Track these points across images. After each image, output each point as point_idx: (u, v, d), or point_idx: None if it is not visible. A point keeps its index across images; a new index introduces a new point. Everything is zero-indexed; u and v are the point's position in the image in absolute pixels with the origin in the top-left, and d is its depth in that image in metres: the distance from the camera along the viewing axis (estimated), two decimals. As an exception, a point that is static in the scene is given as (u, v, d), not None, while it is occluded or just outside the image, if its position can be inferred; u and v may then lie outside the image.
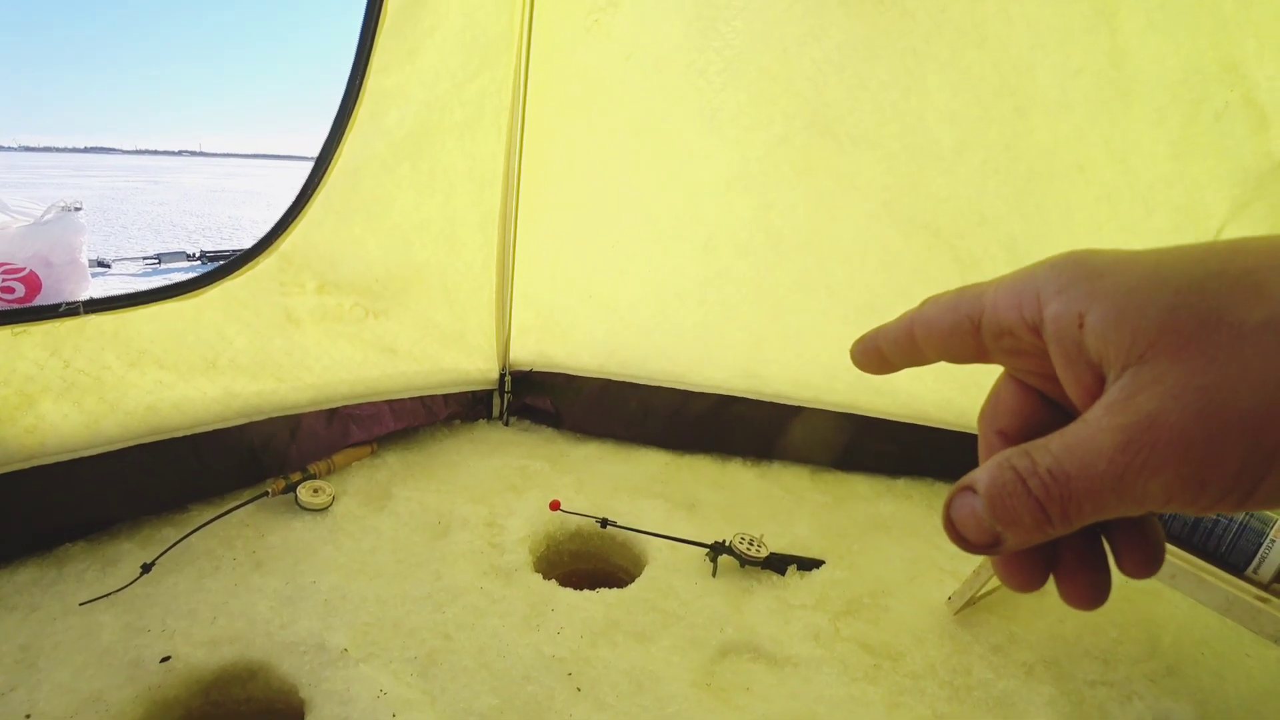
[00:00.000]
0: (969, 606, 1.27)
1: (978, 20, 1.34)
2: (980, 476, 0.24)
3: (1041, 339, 0.24)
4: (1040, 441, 0.23)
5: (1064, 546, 0.26)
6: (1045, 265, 0.24)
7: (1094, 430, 0.21)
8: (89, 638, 1.09)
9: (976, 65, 1.37)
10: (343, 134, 1.40)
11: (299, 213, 1.43)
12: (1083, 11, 1.30)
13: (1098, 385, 0.22)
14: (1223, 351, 0.19)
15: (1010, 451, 0.23)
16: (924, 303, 0.28)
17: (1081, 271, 0.23)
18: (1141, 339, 0.20)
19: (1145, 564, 0.25)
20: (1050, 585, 0.27)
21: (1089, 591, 0.26)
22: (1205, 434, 0.19)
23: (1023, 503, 0.22)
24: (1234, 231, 1.40)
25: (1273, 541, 0.98)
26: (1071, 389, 0.24)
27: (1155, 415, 0.20)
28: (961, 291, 0.26)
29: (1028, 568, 0.26)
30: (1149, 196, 1.41)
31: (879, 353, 0.30)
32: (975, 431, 0.31)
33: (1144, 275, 0.21)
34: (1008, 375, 0.28)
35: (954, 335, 0.26)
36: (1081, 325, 0.22)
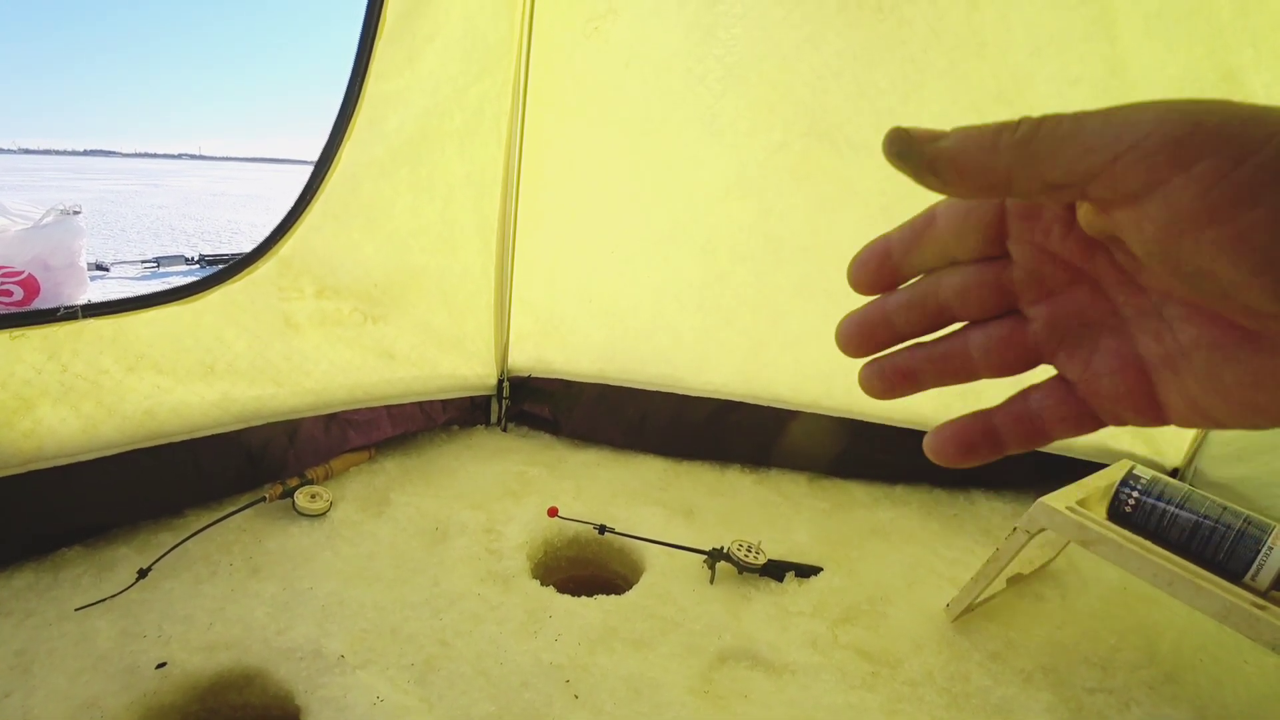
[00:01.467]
0: (967, 613, 1.27)
1: (976, 28, 1.34)
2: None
3: (1072, 209, 0.23)
4: None
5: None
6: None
7: None
8: (85, 643, 1.09)
9: (975, 73, 1.38)
10: (342, 139, 1.41)
11: (298, 218, 1.43)
12: (1081, 20, 1.31)
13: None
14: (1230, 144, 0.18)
15: None
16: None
17: None
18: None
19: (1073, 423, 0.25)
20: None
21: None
22: (1214, 103, 0.18)
23: (990, 128, 0.21)
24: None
25: (1270, 549, 0.98)
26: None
27: (1152, 112, 0.19)
28: None
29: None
30: (1147, 204, 1.42)
31: (885, 254, 0.27)
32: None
33: None
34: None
35: (979, 198, 0.25)
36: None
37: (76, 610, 1.15)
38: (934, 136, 0.22)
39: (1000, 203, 0.25)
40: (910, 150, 0.22)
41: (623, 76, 1.56)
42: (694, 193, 1.63)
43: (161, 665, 1.06)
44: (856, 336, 0.28)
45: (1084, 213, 0.22)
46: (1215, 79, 1.32)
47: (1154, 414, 0.23)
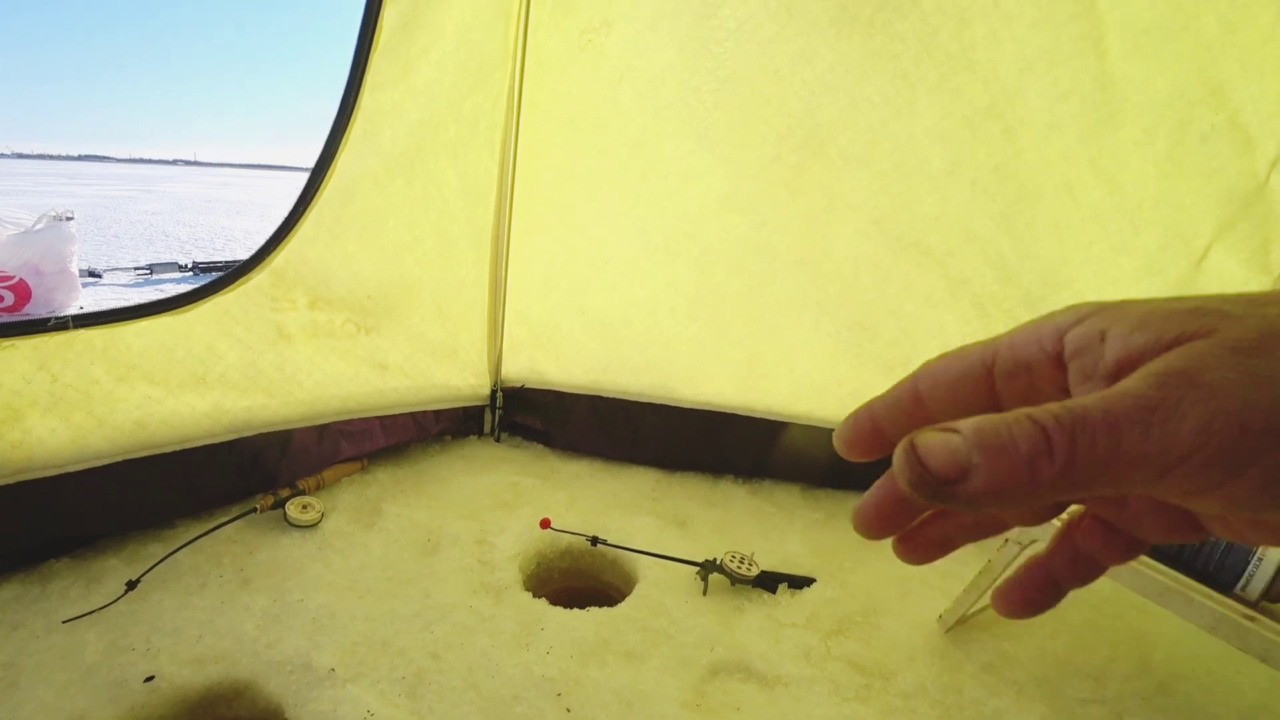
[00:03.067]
0: (960, 625, 1.27)
1: (967, 44, 1.35)
2: (965, 420, 0.20)
3: (1061, 369, 0.22)
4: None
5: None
6: (1063, 309, 0.23)
7: (1120, 384, 0.19)
8: (72, 656, 1.08)
9: (966, 87, 1.39)
10: (337, 150, 1.41)
11: (292, 229, 1.43)
12: (1071, 36, 1.32)
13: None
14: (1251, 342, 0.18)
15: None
16: (921, 366, 0.26)
17: (1101, 307, 0.22)
18: (1168, 335, 0.19)
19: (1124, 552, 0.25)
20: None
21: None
22: (1247, 379, 0.18)
23: (1022, 429, 0.19)
24: (1222, 250, 1.42)
25: (1260, 559, 0.98)
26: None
27: (1194, 362, 0.18)
28: (967, 345, 0.25)
29: (1032, 588, 0.25)
30: (1136, 216, 1.43)
31: (873, 424, 0.26)
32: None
33: (1164, 303, 0.21)
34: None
35: (965, 381, 0.24)
36: (1103, 339, 0.21)
37: (64, 622, 1.14)
38: (960, 470, 0.19)
39: (990, 385, 0.24)
40: (941, 495, 0.20)
41: (617, 89, 1.57)
42: (688, 205, 1.63)
43: (150, 679, 1.05)
44: (877, 521, 0.26)
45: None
46: (1203, 94, 1.33)
47: (1199, 536, 0.23)
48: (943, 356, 0.25)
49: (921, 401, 0.25)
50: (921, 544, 0.27)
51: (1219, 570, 1.01)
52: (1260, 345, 0.18)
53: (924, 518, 0.27)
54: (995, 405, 0.24)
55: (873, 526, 0.26)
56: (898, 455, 0.21)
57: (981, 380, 0.24)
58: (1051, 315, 0.23)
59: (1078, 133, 1.39)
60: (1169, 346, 0.19)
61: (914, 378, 0.25)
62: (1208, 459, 0.18)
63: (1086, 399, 0.19)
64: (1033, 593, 0.26)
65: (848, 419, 0.26)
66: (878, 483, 0.26)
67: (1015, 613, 0.26)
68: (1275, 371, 0.18)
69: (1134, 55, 1.32)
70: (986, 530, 0.27)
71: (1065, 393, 0.22)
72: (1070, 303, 0.24)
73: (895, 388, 0.26)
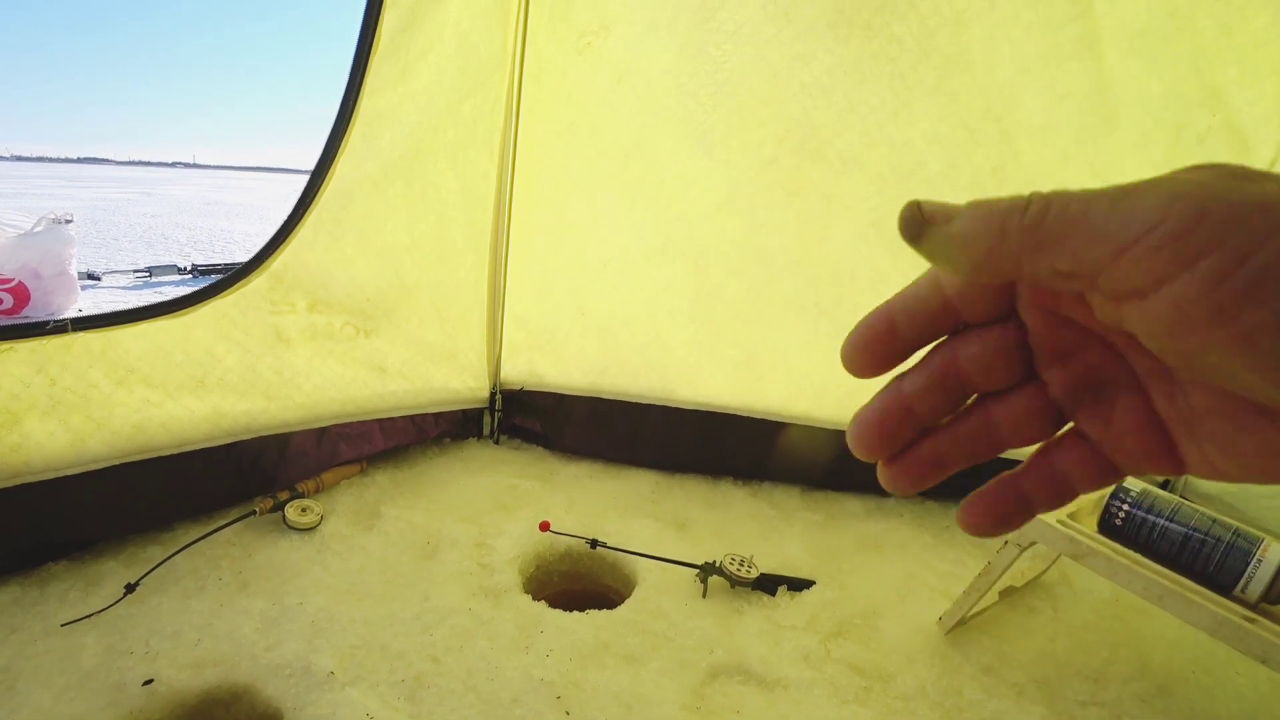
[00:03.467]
0: (960, 626, 1.27)
1: (964, 47, 1.36)
2: None
3: None
4: None
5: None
6: None
7: None
8: (70, 660, 1.08)
9: (963, 90, 1.39)
10: (335, 154, 1.41)
11: (291, 232, 1.43)
12: (1067, 39, 1.33)
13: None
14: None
15: None
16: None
17: None
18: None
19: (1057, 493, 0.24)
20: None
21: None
22: (1223, 179, 0.18)
23: (1009, 200, 0.20)
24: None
25: (1259, 561, 0.98)
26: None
27: (1178, 173, 0.19)
28: None
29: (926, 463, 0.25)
30: (1134, 218, 1.43)
31: (889, 328, 0.25)
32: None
33: None
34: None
35: (990, 282, 0.24)
36: None
37: (63, 626, 1.14)
38: (947, 217, 0.21)
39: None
40: (923, 234, 0.22)
41: (615, 92, 1.57)
42: (686, 207, 1.64)
43: (148, 682, 1.04)
44: (878, 437, 0.25)
45: (1095, 301, 0.21)
46: (1200, 96, 1.34)
47: (1175, 468, 0.23)
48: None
49: (940, 287, 0.24)
50: (913, 464, 0.26)
51: (1218, 572, 1.01)
52: (1250, 174, 0.18)
53: (919, 440, 0.26)
54: (1013, 297, 0.24)
55: (871, 437, 0.25)
56: (901, 213, 0.22)
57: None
58: None
59: (1075, 135, 1.40)
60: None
61: (930, 275, 0.25)
62: (1161, 239, 0.18)
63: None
64: (1003, 506, 0.25)
65: (858, 327, 0.25)
66: (879, 393, 0.26)
67: (982, 526, 0.26)
68: (1255, 186, 0.18)
69: (1130, 57, 1.32)
70: (983, 451, 0.26)
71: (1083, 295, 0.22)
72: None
73: (907, 290, 0.25)
